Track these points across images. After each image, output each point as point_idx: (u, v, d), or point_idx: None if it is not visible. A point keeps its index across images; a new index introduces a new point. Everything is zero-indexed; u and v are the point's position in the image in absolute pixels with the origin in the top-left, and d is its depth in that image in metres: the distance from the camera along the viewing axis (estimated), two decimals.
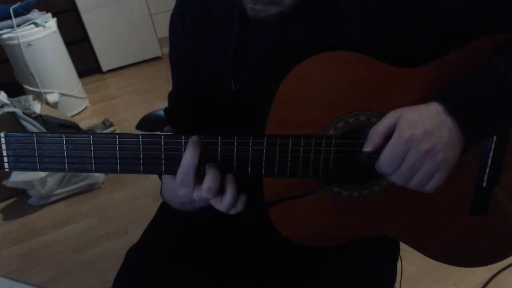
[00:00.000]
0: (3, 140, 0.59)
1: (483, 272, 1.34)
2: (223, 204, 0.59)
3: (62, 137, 0.58)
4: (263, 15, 0.62)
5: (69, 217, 1.91)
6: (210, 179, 0.58)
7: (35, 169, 0.59)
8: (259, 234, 0.75)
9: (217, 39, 0.69)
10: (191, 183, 0.58)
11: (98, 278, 1.57)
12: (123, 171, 0.60)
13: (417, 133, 0.54)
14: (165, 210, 0.83)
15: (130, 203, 1.93)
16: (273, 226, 0.66)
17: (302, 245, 0.69)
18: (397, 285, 0.83)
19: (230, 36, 0.66)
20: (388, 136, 0.57)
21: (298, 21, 0.63)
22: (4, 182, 1.85)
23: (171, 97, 0.82)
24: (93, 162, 0.59)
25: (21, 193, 2.03)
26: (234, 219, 0.77)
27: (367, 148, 0.58)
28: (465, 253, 0.71)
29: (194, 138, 0.58)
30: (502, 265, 1.34)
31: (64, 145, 0.59)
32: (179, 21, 0.73)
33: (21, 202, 2.03)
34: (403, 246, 0.78)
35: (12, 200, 2.06)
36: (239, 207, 0.61)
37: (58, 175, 1.91)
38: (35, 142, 0.59)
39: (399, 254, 0.80)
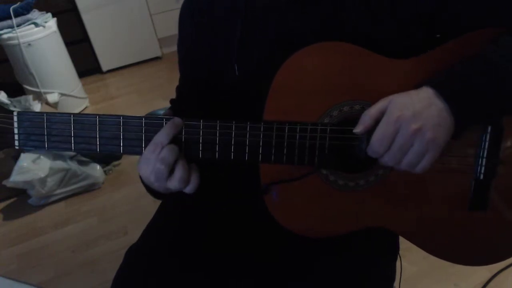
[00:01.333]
0: (15, 119, 0.62)
1: (483, 272, 1.34)
2: (175, 178, 0.60)
3: (70, 116, 0.62)
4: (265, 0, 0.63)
5: (69, 217, 1.91)
6: (181, 169, 0.60)
7: (42, 148, 0.63)
8: (258, 232, 0.75)
9: (223, 30, 0.70)
10: (153, 159, 0.60)
11: (98, 278, 1.57)
12: (125, 152, 0.62)
13: (406, 114, 0.56)
14: (165, 210, 0.84)
15: (130, 203, 1.93)
16: (271, 222, 0.67)
17: (300, 243, 0.69)
18: (396, 284, 0.83)
19: (236, 26, 0.67)
20: (379, 121, 0.58)
21: (300, 12, 0.64)
22: (4, 182, 1.85)
23: (178, 89, 0.82)
24: (97, 142, 0.62)
25: (21, 193, 2.03)
26: (232, 215, 0.77)
27: (358, 129, 0.59)
28: (465, 250, 0.71)
29: (176, 120, 0.60)
30: (502, 265, 1.34)
31: (72, 125, 0.62)
32: (189, 16, 0.74)
33: (21, 202, 2.03)
34: (402, 245, 0.78)
35: (12, 200, 2.06)
36: (194, 181, 0.62)
37: (58, 175, 1.91)
38: (45, 121, 0.62)
39: (399, 254, 0.80)
